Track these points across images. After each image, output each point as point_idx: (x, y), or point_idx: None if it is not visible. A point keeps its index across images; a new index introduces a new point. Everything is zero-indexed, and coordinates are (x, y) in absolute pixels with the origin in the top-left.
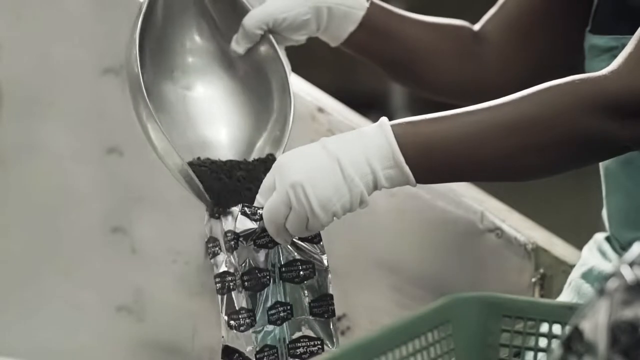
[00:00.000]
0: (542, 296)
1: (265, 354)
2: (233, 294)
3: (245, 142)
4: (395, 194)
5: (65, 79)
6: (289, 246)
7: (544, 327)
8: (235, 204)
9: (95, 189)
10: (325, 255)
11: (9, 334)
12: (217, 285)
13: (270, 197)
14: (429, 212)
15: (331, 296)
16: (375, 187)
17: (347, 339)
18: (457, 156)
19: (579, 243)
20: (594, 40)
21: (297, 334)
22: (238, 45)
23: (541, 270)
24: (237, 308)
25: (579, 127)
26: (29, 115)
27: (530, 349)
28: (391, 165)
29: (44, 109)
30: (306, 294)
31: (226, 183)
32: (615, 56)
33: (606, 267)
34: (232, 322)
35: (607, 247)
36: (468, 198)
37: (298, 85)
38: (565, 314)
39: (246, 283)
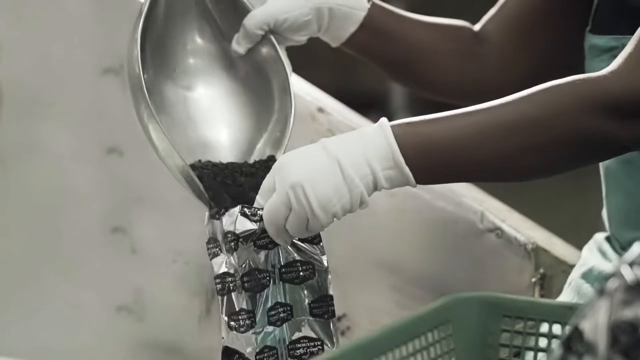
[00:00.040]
0: (542, 296)
1: (265, 355)
2: (233, 295)
3: (246, 143)
4: (395, 194)
5: (65, 79)
6: (289, 247)
7: (544, 327)
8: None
9: (95, 189)
10: (325, 256)
11: (9, 334)
12: (218, 286)
13: (270, 198)
14: (429, 212)
15: (331, 297)
16: (375, 187)
17: (347, 339)
18: (456, 157)
19: (579, 243)
20: (594, 40)
21: (297, 335)
22: (239, 46)
23: (541, 270)
24: (237, 309)
25: (578, 128)
26: (29, 115)
27: (530, 349)
28: (391, 166)
29: (44, 109)
30: (306, 295)
31: (229, 188)
32: (615, 56)
33: (606, 267)
34: (232, 323)
35: (607, 247)
36: (468, 198)
37: (298, 85)
38: (565, 314)
39: (246, 284)
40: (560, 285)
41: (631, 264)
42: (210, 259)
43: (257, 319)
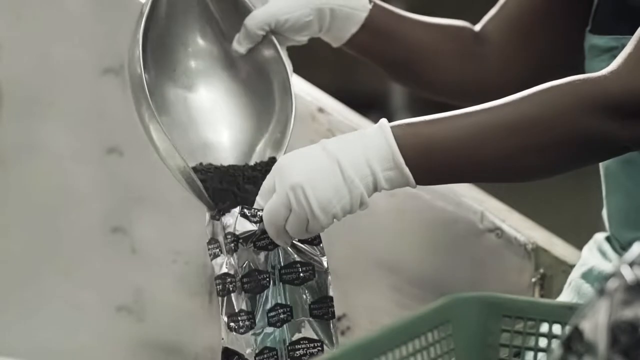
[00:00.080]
0: (542, 296)
1: (265, 356)
2: (233, 296)
3: (247, 144)
4: (395, 194)
5: (65, 79)
6: (288, 248)
7: (544, 327)
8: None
9: (95, 189)
10: (325, 257)
11: (9, 334)
12: (218, 287)
13: (270, 199)
14: (429, 212)
15: (331, 298)
16: (375, 188)
17: (347, 339)
18: (457, 157)
19: (579, 243)
20: (594, 40)
21: (297, 336)
22: (240, 45)
23: (541, 270)
24: (236, 310)
25: (579, 128)
26: (29, 115)
27: (530, 349)
28: (391, 167)
29: (44, 109)
30: (306, 296)
31: (234, 194)
32: (615, 56)
33: (606, 267)
34: (231, 324)
35: (607, 247)
36: (468, 198)
37: (298, 85)
38: (565, 314)
39: (245, 285)
40: (560, 285)
41: (631, 264)
42: (211, 260)
43: (257, 320)
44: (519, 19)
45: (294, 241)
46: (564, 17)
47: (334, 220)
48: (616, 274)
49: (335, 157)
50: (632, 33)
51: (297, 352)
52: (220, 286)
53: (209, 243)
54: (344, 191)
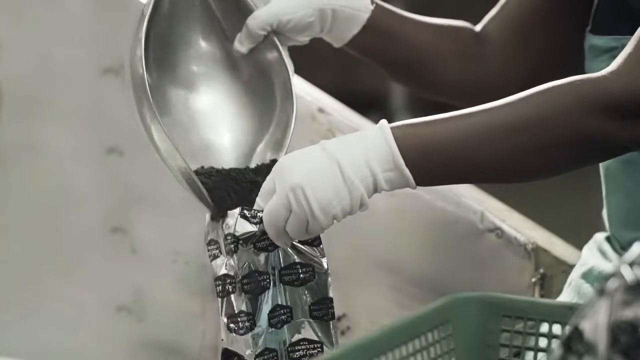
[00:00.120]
0: (542, 296)
1: (265, 357)
2: (232, 297)
3: (248, 145)
4: (395, 195)
5: (65, 79)
6: (288, 249)
7: (544, 327)
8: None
9: (95, 189)
10: (325, 258)
11: (9, 334)
12: (218, 288)
13: (270, 200)
14: (429, 212)
15: (331, 299)
16: (375, 189)
17: (347, 339)
18: (457, 158)
19: (579, 243)
20: (594, 40)
21: (297, 337)
22: (241, 45)
23: (541, 270)
24: (236, 311)
25: (578, 128)
26: (29, 115)
27: (530, 349)
28: (391, 168)
29: (44, 109)
30: (306, 297)
31: (233, 196)
32: (615, 56)
33: (606, 267)
34: (231, 325)
35: (607, 247)
36: (468, 198)
37: (298, 85)
38: (565, 314)
39: (245, 286)
40: (560, 285)
41: (631, 264)
42: (211, 261)
43: (257, 321)
44: (519, 19)
45: (294, 242)
46: (564, 17)
47: (334, 221)
48: (616, 274)
49: (336, 158)
50: (632, 33)
51: (297, 353)
52: (220, 287)
53: (209, 244)
54: (344, 192)
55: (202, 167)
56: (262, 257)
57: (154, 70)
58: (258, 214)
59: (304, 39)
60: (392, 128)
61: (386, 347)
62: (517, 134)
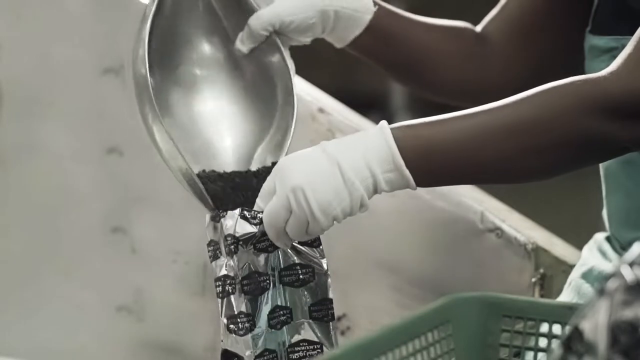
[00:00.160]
0: (542, 296)
1: (265, 358)
2: (232, 297)
3: (248, 147)
4: (395, 195)
5: (65, 79)
6: (288, 250)
7: (544, 327)
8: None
9: (95, 189)
10: (324, 259)
11: (9, 334)
12: (218, 288)
13: (270, 201)
14: (429, 212)
15: (331, 300)
16: (376, 190)
17: (347, 339)
18: (457, 159)
19: (579, 243)
20: (594, 40)
21: (297, 338)
22: (242, 45)
23: (541, 270)
24: (236, 312)
25: (578, 129)
26: (29, 115)
27: (530, 349)
28: (391, 169)
29: (44, 109)
30: (306, 298)
31: (235, 200)
32: (615, 57)
33: (606, 267)
34: (231, 326)
35: (607, 247)
36: (468, 198)
37: (298, 85)
38: (565, 314)
39: (245, 287)
40: (560, 285)
41: (631, 264)
42: (211, 262)
43: (257, 322)
44: (519, 19)
45: (293, 243)
46: (564, 18)
47: (334, 222)
48: (616, 274)
49: (336, 159)
50: (632, 34)
51: (297, 354)
52: (220, 288)
53: (209, 245)
54: (344, 193)
55: (204, 171)
56: (262, 258)
57: (156, 70)
58: (258, 214)
59: (305, 40)
60: (392, 129)
61: (386, 347)
62: (517, 134)
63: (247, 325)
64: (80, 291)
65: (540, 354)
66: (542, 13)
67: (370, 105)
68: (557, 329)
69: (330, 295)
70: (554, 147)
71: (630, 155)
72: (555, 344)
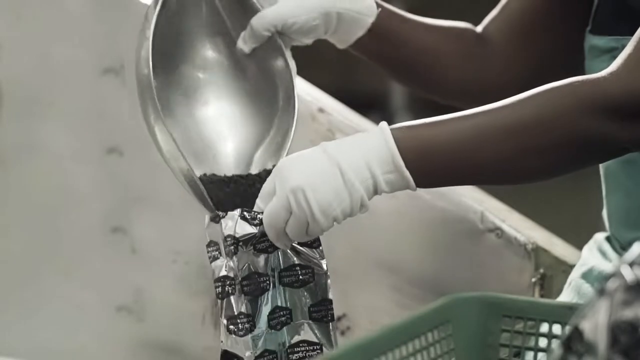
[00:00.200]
0: (542, 296)
1: (265, 358)
2: (232, 298)
3: (248, 148)
4: (395, 195)
5: (65, 79)
6: (288, 251)
7: (544, 327)
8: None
9: (95, 189)
10: (324, 260)
11: (9, 334)
12: (217, 289)
13: (270, 201)
14: (429, 212)
15: (330, 301)
16: (376, 191)
17: (347, 339)
18: (456, 160)
19: (579, 243)
20: (594, 40)
21: (297, 338)
22: (244, 44)
23: (541, 270)
24: (235, 313)
25: (578, 129)
26: (29, 115)
27: (530, 349)
28: (391, 170)
29: (44, 109)
30: (306, 299)
31: (236, 203)
32: (615, 57)
33: (606, 267)
34: (231, 327)
35: (607, 247)
36: (468, 198)
37: (299, 85)
38: (565, 314)
39: (245, 288)
40: (560, 285)
41: (631, 264)
42: (210, 262)
43: (257, 322)
44: (519, 19)
45: (293, 244)
46: (564, 18)
47: (334, 223)
48: (616, 274)
49: (336, 160)
50: (632, 34)
51: (296, 355)
52: (220, 289)
53: (208, 246)
54: (345, 194)
55: (205, 175)
56: (261, 258)
57: (158, 69)
58: (258, 215)
59: (307, 41)
60: (392, 130)
61: (386, 347)
62: (517, 135)
63: (247, 326)
64: (80, 291)
65: (540, 354)
66: (542, 13)
67: (370, 105)
68: (557, 329)
69: (330, 296)
70: (553, 148)
71: (630, 155)
72: (555, 344)
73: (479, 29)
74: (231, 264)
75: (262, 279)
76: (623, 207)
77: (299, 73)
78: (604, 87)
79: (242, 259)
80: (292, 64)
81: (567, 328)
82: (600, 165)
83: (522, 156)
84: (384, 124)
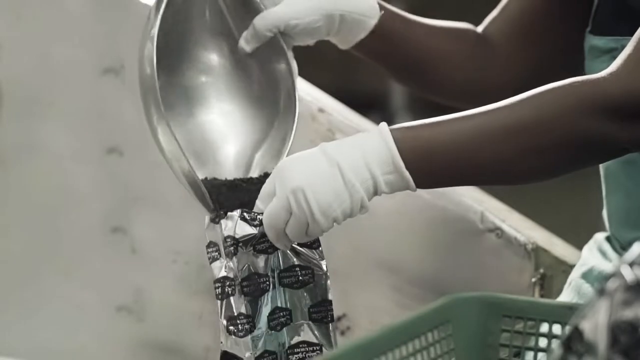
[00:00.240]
0: (542, 296)
1: (265, 359)
2: (232, 299)
3: (249, 151)
4: (395, 195)
5: (65, 79)
6: (288, 251)
7: (544, 327)
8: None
9: (95, 189)
10: (324, 260)
11: (9, 334)
12: (217, 290)
13: (270, 202)
14: (429, 212)
15: (330, 302)
16: (376, 192)
17: (347, 339)
18: (456, 160)
19: (579, 243)
20: (593, 41)
21: (296, 339)
22: (247, 44)
23: (541, 270)
24: (235, 314)
25: (578, 130)
26: (29, 115)
27: (530, 349)
28: (391, 171)
29: (44, 109)
30: (305, 300)
31: (236, 205)
32: (615, 57)
33: (606, 267)
34: (230, 328)
35: (607, 247)
36: (468, 198)
37: (299, 85)
38: (565, 314)
39: (245, 289)
40: (560, 285)
41: (631, 264)
42: (210, 263)
43: (257, 323)
44: (519, 20)
45: (293, 245)
46: (564, 18)
47: (334, 224)
48: (616, 274)
49: (336, 160)
50: (631, 34)
51: (296, 356)
52: (219, 289)
53: (208, 246)
54: (345, 195)
55: (206, 178)
56: (261, 259)
57: (161, 69)
58: (258, 216)
59: (310, 42)
60: (392, 130)
61: (386, 347)
62: (517, 136)
63: (246, 326)
64: (80, 291)
65: (540, 354)
66: (542, 14)
67: (370, 105)
68: (557, 329)
69: (330, 297)
70: (553, 148)
71: (630, 155)
72: (555, 344)
73: (479, 29)
74: (231, 264)
75: (261, 279)
76: (623, 207)
77: (300, 73)
78: (604, 87)
79: (242, 260)
80: (294, 66)
81: (567, 328)
82: (600, 166)
83: (522, 156)
84: (383, 124)
